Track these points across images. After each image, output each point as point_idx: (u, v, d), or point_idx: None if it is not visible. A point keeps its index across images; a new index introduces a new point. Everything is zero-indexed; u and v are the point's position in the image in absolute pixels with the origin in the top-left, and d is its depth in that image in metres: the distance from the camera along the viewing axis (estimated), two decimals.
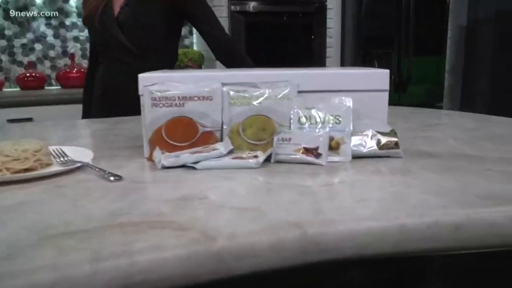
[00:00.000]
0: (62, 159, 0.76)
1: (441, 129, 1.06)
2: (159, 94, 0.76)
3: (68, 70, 2.89)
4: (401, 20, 3.22)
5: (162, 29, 1.49)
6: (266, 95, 0.78)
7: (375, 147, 0.77)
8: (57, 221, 0.51)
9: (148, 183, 0.66)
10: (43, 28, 2.97)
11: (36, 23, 2.94)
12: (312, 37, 3.07)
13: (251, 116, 0.78)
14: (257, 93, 0.78)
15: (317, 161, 0.73)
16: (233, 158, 0.73)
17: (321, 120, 0.77)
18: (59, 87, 2.95)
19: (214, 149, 0.74)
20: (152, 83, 0.78)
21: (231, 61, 1.48)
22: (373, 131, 0.78)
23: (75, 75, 2.81)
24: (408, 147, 0.85)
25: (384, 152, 0.77)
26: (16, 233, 0.47)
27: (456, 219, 0.51)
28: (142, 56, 1.47)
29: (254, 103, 0.77)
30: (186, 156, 0.72)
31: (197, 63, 2.87)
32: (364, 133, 0.78)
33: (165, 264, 0.44)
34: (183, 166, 0.72)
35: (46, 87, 2.93)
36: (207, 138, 0.78)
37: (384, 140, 0.77)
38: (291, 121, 0.78)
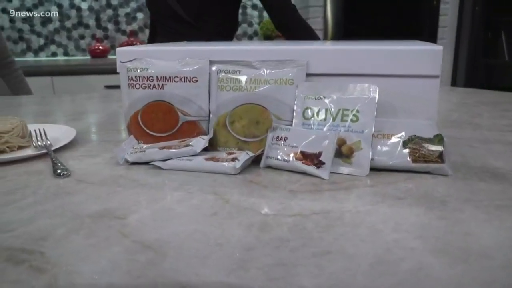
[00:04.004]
0: (36, 139, 0.68)
1: None
2: (136, 72, 0.63)
3: None
4: None
5: None
6: (263, 78, 0.59)
7: (407, 158, 0.53)
8: None
9: (91, 184, 0.53)
10: None
11: None
12: (434, 2, 2.64)
13: (243, 105, 0.60)
14: (252, 75, 0.59)
15: (316, 172, 0.53)
16: (207, 159, 0.56)
17: (332, 115, 0.56)
18: None
19: (187, 145, 0.58)
20: (130, 58, 0.64)
21: (290, 30, 1.28)
22: (409, 136, 0.55)
23: None
24: (470, 159, 0.60)
25: (420, 167, 0.53)
26: None
27: None
28: (196, 26, 1.35)
29: (247, 87, 0.59)
30: (153, 152, 0.58)
31: None
32: (395, 136, 0.55)
33: None
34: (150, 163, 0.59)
35: None
36: (190, 130, 0.63)
37: (422, 149, 0.53)
38: (294, 114, 0.58)
